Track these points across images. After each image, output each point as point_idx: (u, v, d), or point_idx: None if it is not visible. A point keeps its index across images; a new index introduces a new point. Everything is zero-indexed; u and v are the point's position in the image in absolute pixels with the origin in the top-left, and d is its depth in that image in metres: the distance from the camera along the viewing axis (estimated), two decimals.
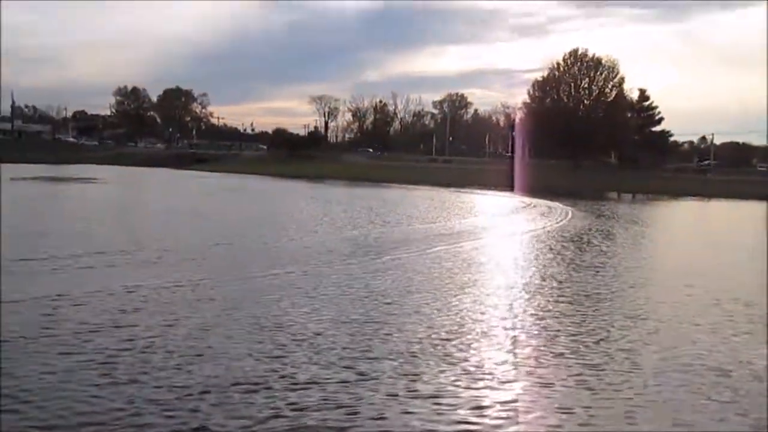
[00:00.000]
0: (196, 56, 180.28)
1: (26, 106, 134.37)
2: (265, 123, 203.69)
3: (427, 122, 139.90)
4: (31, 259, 12.83)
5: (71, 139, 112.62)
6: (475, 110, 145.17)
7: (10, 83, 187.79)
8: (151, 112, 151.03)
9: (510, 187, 55.17)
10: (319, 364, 7.41)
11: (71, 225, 19.61)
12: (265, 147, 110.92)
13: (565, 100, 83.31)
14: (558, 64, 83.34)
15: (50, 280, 11.13)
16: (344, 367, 7.34)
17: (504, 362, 7.81)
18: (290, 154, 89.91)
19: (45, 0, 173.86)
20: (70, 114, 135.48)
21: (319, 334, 8.57)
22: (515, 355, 8.13)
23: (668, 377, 7.41)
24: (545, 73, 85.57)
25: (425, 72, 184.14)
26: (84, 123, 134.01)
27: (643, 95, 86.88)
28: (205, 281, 11.62)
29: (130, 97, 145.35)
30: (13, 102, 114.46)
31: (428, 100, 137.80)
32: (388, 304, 10.53)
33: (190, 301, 10.12)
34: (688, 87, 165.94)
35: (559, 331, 9.26)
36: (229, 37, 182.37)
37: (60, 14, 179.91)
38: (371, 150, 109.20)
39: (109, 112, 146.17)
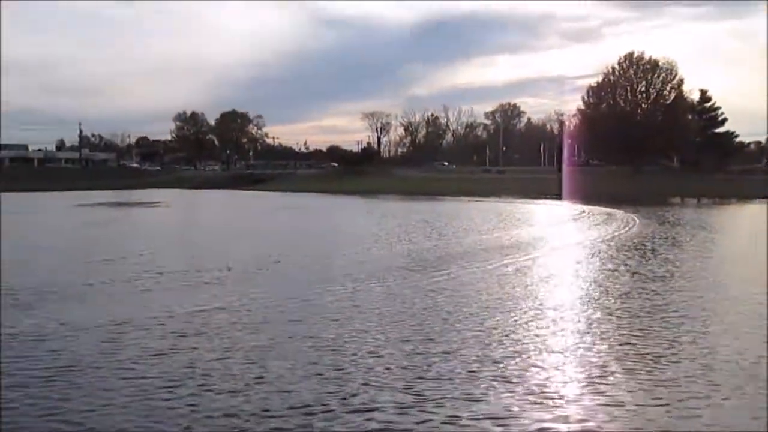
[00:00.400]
0: (250, 79, 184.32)
1: (93, 135, 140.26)
2: (319, 141, 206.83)
3: (479, 133, 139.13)
4: (93, 284, 13.20)
5: (134, 165, 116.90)
6: (528, 119, 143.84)
7: (77, 114, 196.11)
8: (210, 136, 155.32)
9: (567, 195, 54.07)
10: (377, 385, 7.26)
11: (133, 248, 20.07)
12: (322, 165, 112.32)
13: (622, 104, 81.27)
14: (613, 68, 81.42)
15: (111, 303, 11.39)
16: (403, 388, 7.17)
17: (570, 381, 7.50)
18: (344, 170, 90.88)
19: (103, 30, 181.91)
20: (133, 141, 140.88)
21: (376, 354, 8.45)
22: (581, 373, 7.80)
23: (742, 396, 6.97)
24: (600, 79, 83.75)
25: (475, 83, 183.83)
26: (146, 149, 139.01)
27: (705, 96, 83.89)
28: (262, 300, 11.71)
29: (189, 122, 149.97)
30: (81, 132, 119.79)
31: (480, 111, 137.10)
32: (446, 320, 10.33)
33: (248, 323, 10.15)
34: (752, 86, 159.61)
35: (627, 346, 8.86)
36: (280, 59, 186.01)
37: (118, 44, 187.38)
38: (447, 163, 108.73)
39: (169, 137, 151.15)
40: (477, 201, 51.36)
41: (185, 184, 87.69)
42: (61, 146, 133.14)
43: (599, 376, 7.57)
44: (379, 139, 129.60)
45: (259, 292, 12.37)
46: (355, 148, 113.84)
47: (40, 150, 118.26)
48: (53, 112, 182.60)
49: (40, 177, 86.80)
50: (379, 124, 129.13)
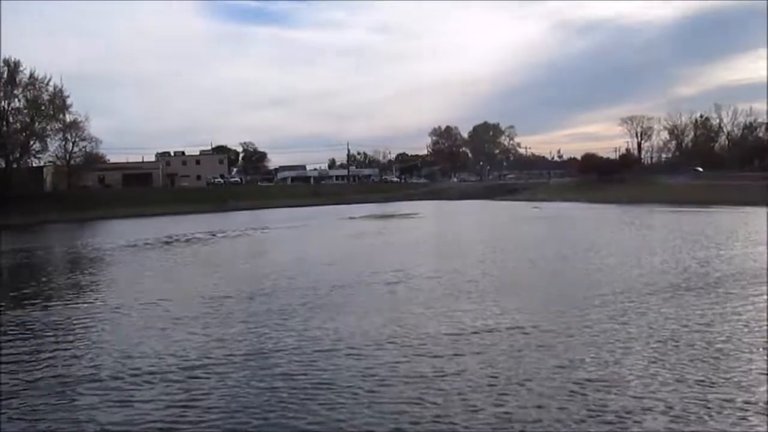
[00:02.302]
0: (501, 91, 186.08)
1: (358, 154, 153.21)
2: (572, 149, 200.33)
3: (761, 134, 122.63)
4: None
5: (395, 179, 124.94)
6: None
7: (345, 135, 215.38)
8: (463, 148, 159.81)
9: None
10: None
11: (392, 257, 21.24)
12: (575, 174, 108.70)
13: None
14: None
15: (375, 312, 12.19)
16: None
17: None
18: (600, 179, 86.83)
19: (360, 59, 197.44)
20: (393, 156, 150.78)
21: (656, 397, 7.55)
22: None
23: None
24: None
25: (749, 79, 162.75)
26: (405, 163, 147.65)
27: None
28: (520, 317, 11.56)
29: (444, 136, 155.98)
30: (348, 151, 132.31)
31: (761, 109, 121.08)
32: (732, 358, 9.13)
33: (507, 349, 9.94)
34: None
35: None
36: (530, 69, 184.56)
37: (374, 70, 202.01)
38: (700, 169, 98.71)
39: (426, 152, 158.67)
40: (762, 212, 45.07)
41: (441, 196, 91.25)
42: (332, 165, 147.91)
43: None
44: (639, 144, 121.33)
45: (518, 306, 12.24)
46: (612, 156, 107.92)
47: (315, 169, 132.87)
48: (325, 135, 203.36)
49: (316, 193, 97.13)
50: (639, 129, 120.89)
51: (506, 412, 7.20)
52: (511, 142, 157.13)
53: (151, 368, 8.97)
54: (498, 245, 26.38)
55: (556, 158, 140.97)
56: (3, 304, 15.37)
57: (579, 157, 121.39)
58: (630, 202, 60.76)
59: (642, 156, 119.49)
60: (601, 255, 21.25)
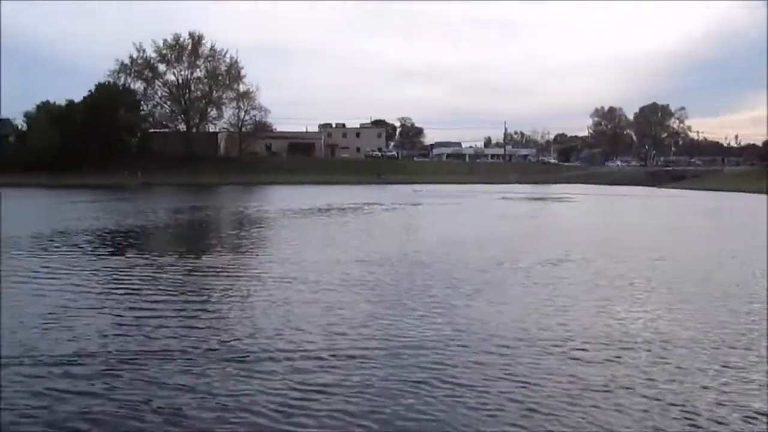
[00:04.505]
0: (673, 69, 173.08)
1: (515, 133, 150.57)
2: (751, 135, 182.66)
3: None
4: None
5: (552, 161, 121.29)
6: None
7: (503, 113, 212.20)
8: (627, 131, 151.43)
9: None
10: None
11: (547, 241, 20.62)
12: (754, 162, 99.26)
13: None
14: None
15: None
16: None
17: None
18: None
19: (518, 33, 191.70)
20: (551, 137, 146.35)
21: None
22: None
23: None
24: None
25: None
26: (564, 145, 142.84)
27: None
28: (663, 322, 10.37)
29: (607, 117, 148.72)
30: (506, 130, 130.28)
31: None
32: None
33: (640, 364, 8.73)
34: None
35: None
36: (708, 43, 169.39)
37: (535, 45, 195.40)
38: None
39: (586, 133, 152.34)
40: None
41: (601, 180, 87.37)
42: (487, 143, 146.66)
43: None
44: None
45: (669, 306, 11.48)
46: None
47: (470, 147, 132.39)
48: (481, 113, 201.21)
49: (470, 170, 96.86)
50: None
51: None
52: (681, 125, 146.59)
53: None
54: (667, 236, 24.87)
55: (732, 144, 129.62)
56: (201, 250, 18.60)
57: (761, 144, 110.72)
58: None
59: None
60: None
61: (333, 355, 8.14)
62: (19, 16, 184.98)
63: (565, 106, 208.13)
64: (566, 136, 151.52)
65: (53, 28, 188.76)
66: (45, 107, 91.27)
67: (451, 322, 9.95)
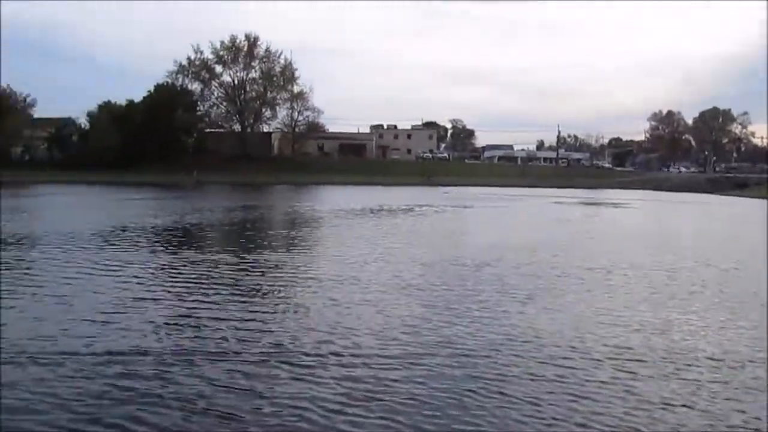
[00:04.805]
0: (736, 72, 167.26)
1: (569, 136, 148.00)
2: None
3: None
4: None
5: (606, 165, 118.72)
6: None
7: (555, 117, 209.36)
8: (686, 136, 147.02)
9: None
10: None
11: (601, 248, 20.19)
12: None
13: None
14: None
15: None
16: None
17: None
18: None
19: (569, 36, 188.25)
20: (606, 141, 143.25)
21: None
22: None
23: None
24: None
25: None
26: (619, 149, 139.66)
27: None
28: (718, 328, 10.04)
29: (664, 122, 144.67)
30: (559, 133, 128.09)
31: None
32: None
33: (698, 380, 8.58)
34: None
35: None
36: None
37: (589, 47, 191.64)
38: None
39: (643, 137, 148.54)
40: None
41: (657, 186, 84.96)
42: (540, 146, 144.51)
43: None
44: None
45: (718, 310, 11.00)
46: None
47: (522, 149, 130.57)
48: (534, 116, 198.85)
49: (522, 174, 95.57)
50: None
51: None
52: (744, 130, 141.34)
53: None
54: (732, 245, 23.97)
55: None
56: (251, 247, 19.28)
57: None
58: None
59: None
60: None
61: (381, 361, 8.08)
62: (85, 19, 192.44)
63: (620, 109, 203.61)
64: (621, 140, 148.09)
65: (115, 28, 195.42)
66: (106, 107, 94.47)
67: (502, 328, 9.78)
